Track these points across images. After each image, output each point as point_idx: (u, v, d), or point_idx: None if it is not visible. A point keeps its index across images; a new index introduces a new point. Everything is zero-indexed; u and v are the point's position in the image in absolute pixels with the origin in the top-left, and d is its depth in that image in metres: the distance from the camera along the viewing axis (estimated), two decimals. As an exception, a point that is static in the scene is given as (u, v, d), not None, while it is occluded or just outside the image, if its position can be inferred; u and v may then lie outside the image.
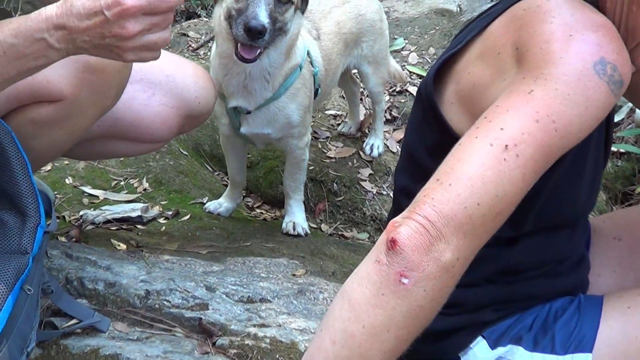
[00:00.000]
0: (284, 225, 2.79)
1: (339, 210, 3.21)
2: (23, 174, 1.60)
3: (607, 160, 1.78)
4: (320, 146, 3.46)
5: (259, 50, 2.23)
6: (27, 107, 1.75)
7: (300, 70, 2.50)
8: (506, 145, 1.28)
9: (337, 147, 3.48)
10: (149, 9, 1.42)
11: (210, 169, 3.40)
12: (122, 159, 3.03)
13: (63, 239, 2.28)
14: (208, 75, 2.19)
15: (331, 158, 3.39)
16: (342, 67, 2.99)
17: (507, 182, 1.28)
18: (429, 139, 1.59)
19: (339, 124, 3.65)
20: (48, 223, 1.64)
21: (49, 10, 1.43)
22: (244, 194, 3.23)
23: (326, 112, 3.77)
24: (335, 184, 3.26)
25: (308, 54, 2.56)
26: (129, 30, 1.42)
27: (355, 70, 3.27)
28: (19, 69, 1.47)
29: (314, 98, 2.66)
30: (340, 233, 3.12)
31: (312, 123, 3.56)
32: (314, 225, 3.09)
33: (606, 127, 1.67)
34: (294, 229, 2.75)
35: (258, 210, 3.26)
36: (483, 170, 1.26)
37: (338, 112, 3.78)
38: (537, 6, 1.46)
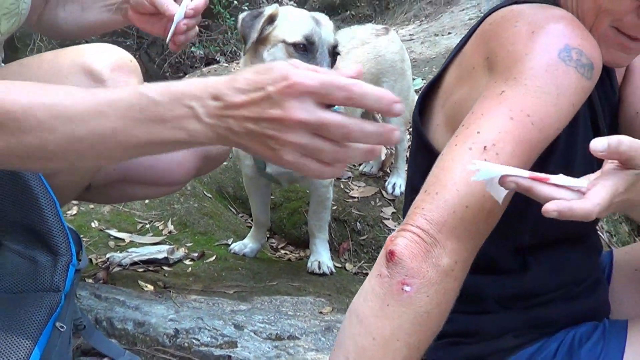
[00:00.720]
0: (309, 264, 2.79)
1: (363, 249, 3.21)
2: (52, 212, 1.61)
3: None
4: (342, 186, 3.48)
5: None
6: None
7: None
8: (485, 147, 1.30)
9: (360, 186, 3.49)
10: (323, 93, 1.07)
11: (234, 211, 3.42)
12: (146, 202, 3.06)
13: (90, 280, 2.29)
14: None
15: (354, 198, 3.40)
16: (362, 109, 3.00)
17: None
18: (422, 165, 1.60)
19: (360, 164, 3.67)
20: (79, 259, 1.65)
21: (209, 79, 1.12)
22: (268, 235, 3.24)
23: (348, 152, 3.79)
24: (358, 223, 3.26)
25: None
26: (291, 114, 1.05)
27: (376, 111, 3.30)
28: (150, 137, 1.12)
29: None
30: (365, 272, 3.11)
31: (334, 164, 3.58)
32: (339, 265, 3.09)
33: (596, 123, 1.68)
34: (320, 268, 2.75)
35: (282, 251, 3.27)
36: (466, 173, 1.27)
37: (360, 153, 3.79)
38: (501, 17, 1.51)
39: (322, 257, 2.80)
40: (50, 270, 1.58)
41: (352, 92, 1.07)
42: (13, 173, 1.59)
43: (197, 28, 1.91)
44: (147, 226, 2.96)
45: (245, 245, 2.91)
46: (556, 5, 1.54)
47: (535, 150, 1.36)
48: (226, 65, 6.41)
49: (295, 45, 2.32)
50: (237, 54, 7.45)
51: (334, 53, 2.38)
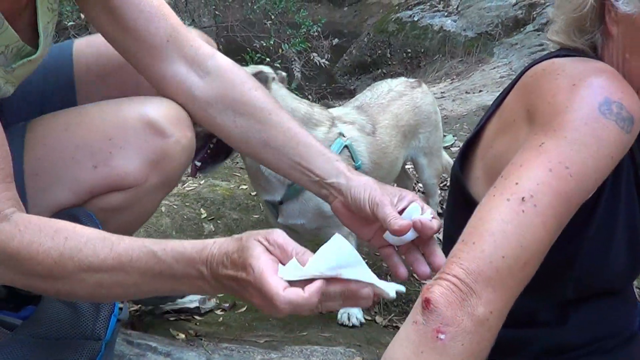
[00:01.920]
0: (339, 316, 2.79)
1: (393, 302, 3.20)
2: None
3: None
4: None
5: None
6: (97, 197, 1.77)
7: None
8: (522, 198, 1.32)
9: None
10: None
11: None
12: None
13: (122, 328, 2.31)
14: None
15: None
16: (403, 158, 3.09)
17: (528, 232, 1.31)
18: (463, 219, 1.62)
19: (392, 217, 3.69)
20: (120, 308, 1.68)
21: (215, 246, 1.29)
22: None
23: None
24: (389, 276, 3.26)
25: (348, 148, 2.64)
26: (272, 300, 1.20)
27: (408, 166, 3.33)
28: (165, 288, 1.37)
29: None
30: (395, 325, 3.09)
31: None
32: (369, 317, 3.07)
33: (637, 187, 1.68)
34: (349, 319, 2.75)
35: (313, 303, 3.27)
36: (503, 224, 1.31)
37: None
38: (543, 69, 1.54)
39: (352, 308, 2.79)
40: (92, 319, 1.61)
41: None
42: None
43: None
44: (179, 276, 2.99)
45: (276, 295, 2.93)
46: (598, 60, 1.57)
47: (573, 203, 1.38)
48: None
49: None
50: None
51: None
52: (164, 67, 1.80)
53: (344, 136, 2.66)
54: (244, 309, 2.79)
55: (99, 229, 1.62)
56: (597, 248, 1.59)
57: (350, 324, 2.74)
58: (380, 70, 9.67)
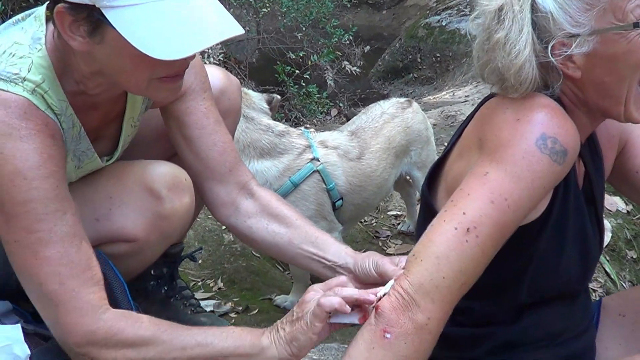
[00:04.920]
0: (340, 315, 3.06)
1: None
2: (122, 294, 1.97)
3: (602, 231, 1.96)
4: (380, 244, 3.78)
5: None
6: (106, 244, 2.04)
7: (295, 185, 2.88)
8: (467, 229, 1.54)
9: (397, 244, 3.78)
10: None
11: (280, 269, 3.73)
12: (200, 261, 3.42)
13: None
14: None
15: (390, 254, 3.66)
16: (395, 177, 3.33)
17: (468, 259, 1.55)
18: None
19: (398, 224, 3.97)
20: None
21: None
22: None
23: (388, 212, 4.10)
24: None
25: (320, 173, 2.93)
26: None
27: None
28: None
29: (334, 209, 3.02)
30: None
31: (374, 223, 3.90)
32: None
33: (592, 199, 1.88)
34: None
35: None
36: (448, 251, 1.55)
37: (399, 213, 4.09)
38: (496, 103, 1.71)
39: (351, 307, 3.06)
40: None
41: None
42: None
43: None
44: (200, 283, 3.30)
45: (287, 299, 3.20)
46: (552, 93, 1.69)
47: (509, 229, 1.60)
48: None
49: None
50: (301, 119, 7.85)
51: None
52: (220, 188, 2.11)
53: (318, 161, 2.93)
54: (256, 311, 3.08)
55: (112, 268, 1.94)
56: (549, 258, 1.78)
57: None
58: (411, 74, 9.83)
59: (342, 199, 3.00)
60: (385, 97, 9.62)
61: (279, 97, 3.19)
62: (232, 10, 8.40)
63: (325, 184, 2.94)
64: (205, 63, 2.35)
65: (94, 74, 1.76)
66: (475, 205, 1.56)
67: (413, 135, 3.36)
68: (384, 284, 1.71)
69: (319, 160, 2.94)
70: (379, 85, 10.34)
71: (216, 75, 2.28)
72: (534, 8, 1.64)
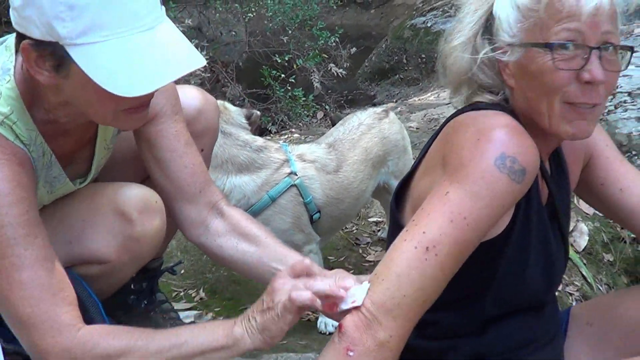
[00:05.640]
0: (318, 324, 3.11)
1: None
2: (96, 312, 2.04)
3: (566, 245, 2.01)
4: (361, 251, 3.82)
5: None
6: (79, 265, 2.10)
7: (273, 200, 2.93)
8: (427, 248, 1.58)
9: (377, 251, 3.82)
10: None
11: (262, 277, 3.78)
12: (182, 271, 3.46)
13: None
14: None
15: (370, 262, 3.72)
16: (372, 187, 3.37)
17: (429, 277, 1.59)
18: None
19: (379, 230, 4.02)
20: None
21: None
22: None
23: (369, 219, 4.14)
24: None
25: (297, 186, 2.97)
26: None
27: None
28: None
29: (312, 222, 3.06)
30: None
31: (354, 230, 3.96)
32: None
33: (555, 214, 1.93)
34: (325, 327, 3.06)
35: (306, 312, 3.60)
36: (408, 270, 1.58)
37: (380, 219, 4.12)
38: (459, 122, 1.76)
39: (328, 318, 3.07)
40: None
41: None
42: None
43: None
44: (182, 293, 3.35)
45: (265, 308, 3.26)
46: (508, 107, 1.78)
47: (469, 247, 1.63)
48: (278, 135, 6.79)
49: None
50: (287, 123, 7.90)
51: None
52: (190, 208, 2.17)
53: (295, 175, 2.97)
54: (235, 321, 3.14)
55: (85, 288, 2.00)
56: (513, 271, 1.82)
57: (327, 332, 3.03)
58: (397, 75, 9.81)
59: (319, 211, 3.04)
60: (372, 98, 9.70)
61: (258, 112, 3.23)
62: (218, 15, 8.45)
63: (303, 198, 2.99)
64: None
65: (62, 105, 1.82)
66: (435, 225, 1.60)
67: (390, 145, 3.40)
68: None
69: (296, 174, 2.99)
70: (366, 87, 10.34)
71: (193, 95, 2.34)
72: (491, 13, 1.78)
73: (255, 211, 2.90)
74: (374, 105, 8.19)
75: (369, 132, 3.34)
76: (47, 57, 1.65)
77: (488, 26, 1.80)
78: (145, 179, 2.26)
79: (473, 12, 1.83)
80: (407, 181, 1.96)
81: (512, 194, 1.63)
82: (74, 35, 1.58)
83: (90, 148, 2.09)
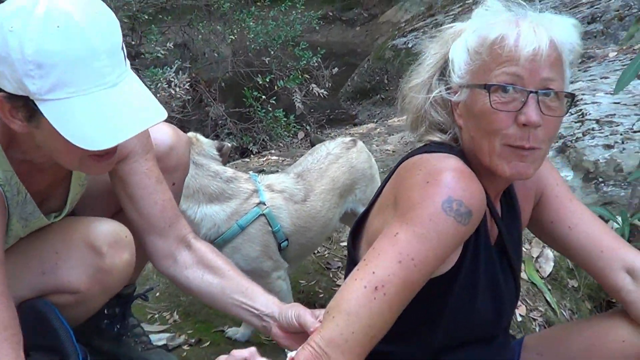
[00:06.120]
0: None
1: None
2: (67, 339, 2.17)
3: (517, 280, 2.10)
4: (331, 276, 3.92)
5: None
6: (50, 295, 2.21)
7: (242, 228, 3.04)
8: (376, 287, 1.65)
9: (346, 275, 3.93)
10: None
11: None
12: (157, 294, 3.57)
13: None
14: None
15: (340, 285, 3.81)
16: (339, 215, 3.46)
17: (377, 315, 1.66)
18: None
19: (351, 254, 4.11)
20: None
21: None
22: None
23: (340, 243, 4.25)
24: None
25: (266, 216, 3.08)
26: None
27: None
28: None
29: (280, 250, 3.16)
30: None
31: (326, 254, 4.07)
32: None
33: (505, 251, 2.02)
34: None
35: (277, 335, 3.70)
36: (358, 307, 1.65)
37: (351, 244, 4.24)
38: (412, 164, 1.84)
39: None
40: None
41: None
42: (37, 313, 2.16)
43: None
44: (156, 316, 3.46)
45: (238, 331, 3.35)
46: (457, 146, 1.87)
47: (416, 286, 1.71)
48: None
49: None
50: (268, 143, 8.00)
51: None
52: (160, 242, 2.30)
53: (264, 204, 3.09)
54: (208, 343, 3.23)
55: (58, 316, 2.13)
56: (462, 305, 1.92)
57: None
58: (379, 95, 9.98)
59: (287, 239, 3.15)
60: (353, 117, 9.81)
61: (229, 145, 3.34)
62: (200, 37, 8.55)
63: (271, 227, 3.10)
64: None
65: (36, 148, 1.94)
66: (384, 265, 1.68)
67: (357, 174, 3.50)
68: (304, 333, 1.88)
69: (265, 204, 3.09)
70: (348, 106, 10.48)
71: (165, 132, 2.46)
72: (448, 56, 1.88)
73: (225, 239, 3.02)
74: (355, 125, 8.32)
75: (336, 162, 3.44)
76: (20, 108, 1.77)
77: (444, 68, 1.91)
78: (118, 212, 2.38)
79: (432, 55, 1.95)
80: (363, 218, 2.04)
81: (458, 235, 1.72)
82: (42, 92, 1.70)
83: (66, 184, 2.22)
